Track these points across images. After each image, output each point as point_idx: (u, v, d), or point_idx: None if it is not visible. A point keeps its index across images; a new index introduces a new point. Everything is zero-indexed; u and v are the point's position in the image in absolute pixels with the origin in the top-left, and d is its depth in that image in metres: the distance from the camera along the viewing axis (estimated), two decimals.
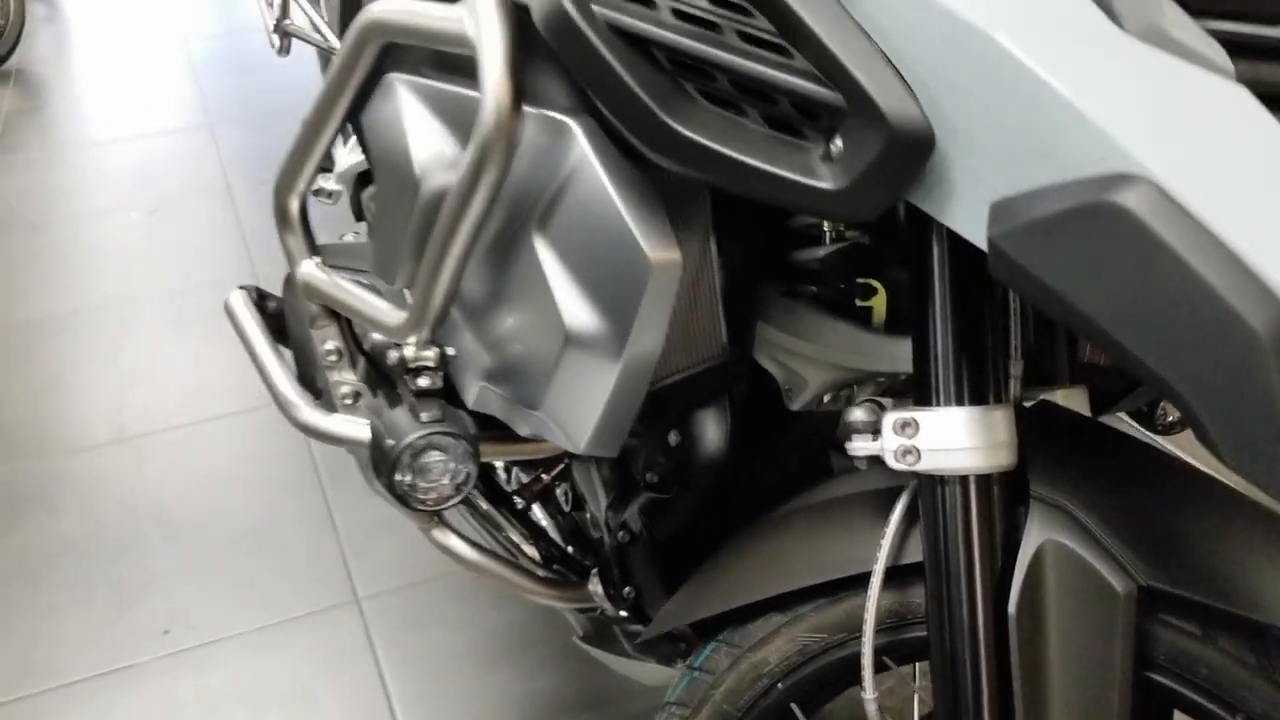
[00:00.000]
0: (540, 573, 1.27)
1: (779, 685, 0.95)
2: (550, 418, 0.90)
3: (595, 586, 1.24)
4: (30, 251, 3.17)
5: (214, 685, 1.75)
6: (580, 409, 0.86)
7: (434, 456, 0.91)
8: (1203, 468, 0.82)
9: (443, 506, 0.94)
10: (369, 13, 0.81)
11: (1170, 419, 1.14)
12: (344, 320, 1.04)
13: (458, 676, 1.73)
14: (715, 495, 1.14)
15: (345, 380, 1.04)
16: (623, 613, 1.23)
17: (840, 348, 0.96)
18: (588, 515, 1.36)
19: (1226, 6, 0.59)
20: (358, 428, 1.03)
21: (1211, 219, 0.53)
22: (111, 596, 1.93)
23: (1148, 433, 1.13)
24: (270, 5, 1.88)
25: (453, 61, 0.81)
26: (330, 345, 1.03)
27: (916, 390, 0.81)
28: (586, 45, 0.68)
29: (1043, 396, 0.94)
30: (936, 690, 0.83)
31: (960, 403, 0.78)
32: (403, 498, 0.91)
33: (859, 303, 0.98)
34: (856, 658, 0.89)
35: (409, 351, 0.90)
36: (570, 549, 1.38)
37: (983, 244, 0.59)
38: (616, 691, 1.68)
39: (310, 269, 1.00)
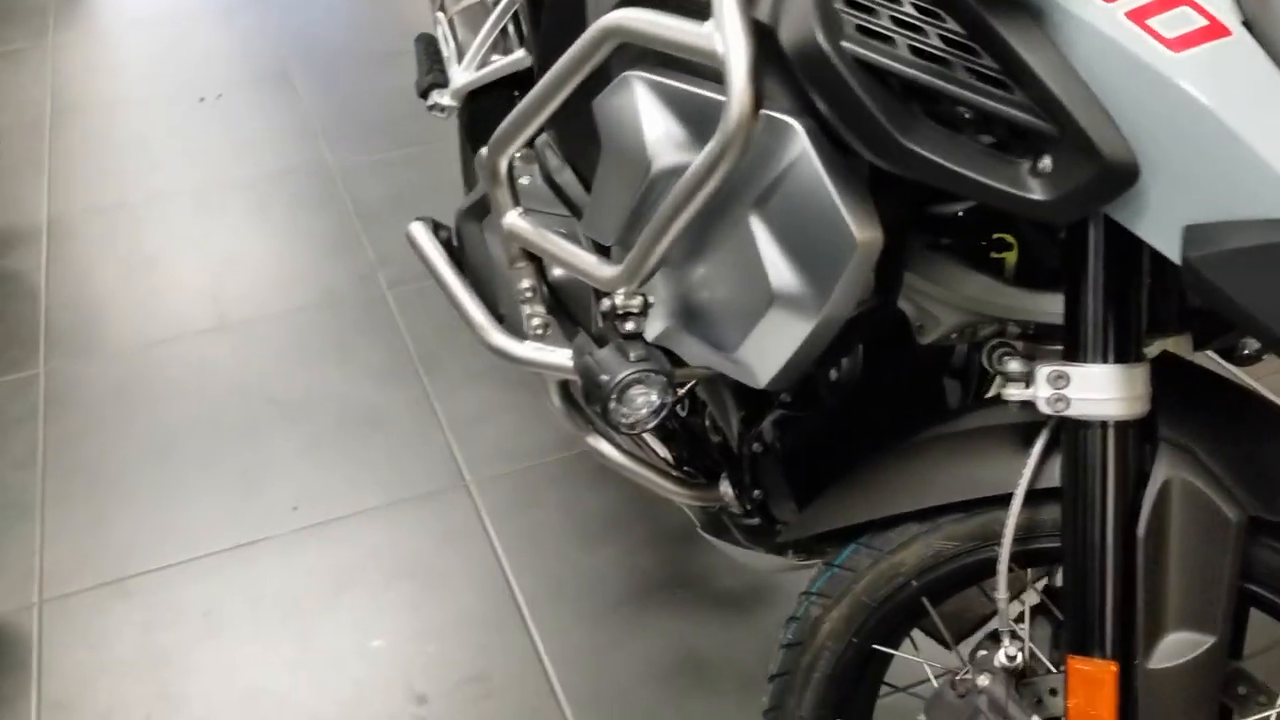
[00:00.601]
0: (674, 473, 1.45)
1: (913, 583, 1.12)
2: (737, 358, 1.05)
3: (725, 488, 1.41)
4: (100, 134, 3.25)
5: (344, 556, 1.93)
6: (769, 354, 1.01)
7: (639, 389, 1.06)
8: None
9: (641, 430, 1.10)
10: (614, 18, 0.93)
11: (1246, 352, 1.30)
12: (538, 262, 1.18)
13: (565, 552, 1.91)
14: (840, 414, 1.31)
15: (537, 313, 1.19)
16: (749, 509, 1.41)
17: (975, 296, 1.11)
18: (704, 421, 1.53)
19: None
20: (550, 354, 1.19)
21: None
22: (238, 475, 2.11)
23: (1227, 365, 1.29)
24: None
25: (683, 62, 0.94)
26: (526, 284, 1.18)
27: (1066, 346, 0.96)
28: (834, 73, 0.82)
29: (1157, 343, 1.10)
30: (1068, 592, 1.00)
31: (1105, 360, 0.94)
32: (611, 423, 1.07)
33: (993, 255, 1.13)
34: (986, 562, 1.06)
35: (619, 300, 1.05)
36: (687, 452, 1.55)
37: (1177, 260, 0.74)
38: (709, 570, 1.87)
39: (515, 219, 1.14)
